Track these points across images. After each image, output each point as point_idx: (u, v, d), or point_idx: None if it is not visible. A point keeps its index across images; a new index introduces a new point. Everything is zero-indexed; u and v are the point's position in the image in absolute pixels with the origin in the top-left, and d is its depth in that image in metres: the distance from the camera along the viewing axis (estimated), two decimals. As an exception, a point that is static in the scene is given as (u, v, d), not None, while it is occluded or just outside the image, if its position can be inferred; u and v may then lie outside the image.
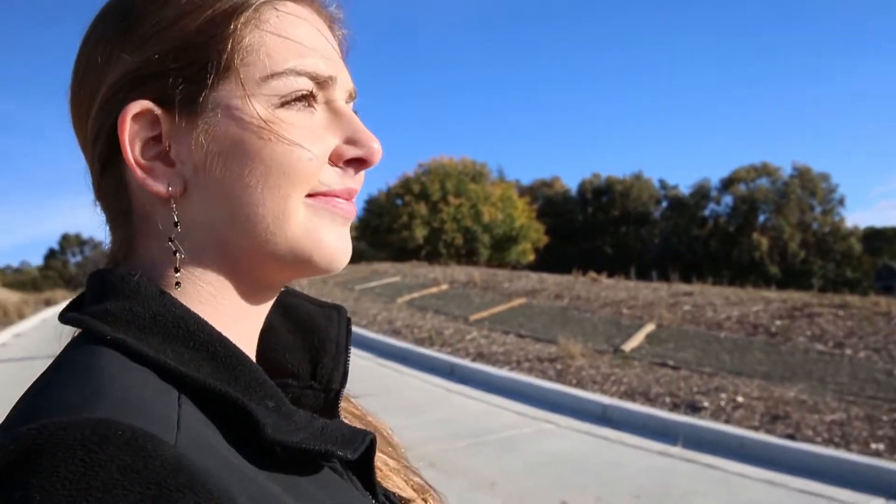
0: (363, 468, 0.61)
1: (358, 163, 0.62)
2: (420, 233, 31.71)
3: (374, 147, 0.62)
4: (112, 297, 0.54)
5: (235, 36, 0.56)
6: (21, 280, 47.73)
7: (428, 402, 7.10)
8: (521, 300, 12.71)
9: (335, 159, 0.61)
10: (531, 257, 33.80)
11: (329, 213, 0.60)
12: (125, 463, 0.40)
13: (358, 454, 0.55)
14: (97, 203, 0.62)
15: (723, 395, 6.29)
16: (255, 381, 0.54)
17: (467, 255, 31.70)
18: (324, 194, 0.60)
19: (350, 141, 0.61)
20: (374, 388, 7.75)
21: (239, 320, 0.61)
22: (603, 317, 10.50)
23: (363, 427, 0.62)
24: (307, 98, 0.59)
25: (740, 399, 6.14)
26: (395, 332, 11.07)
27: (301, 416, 0.56)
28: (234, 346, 0.55)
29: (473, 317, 11.61)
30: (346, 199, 0.62)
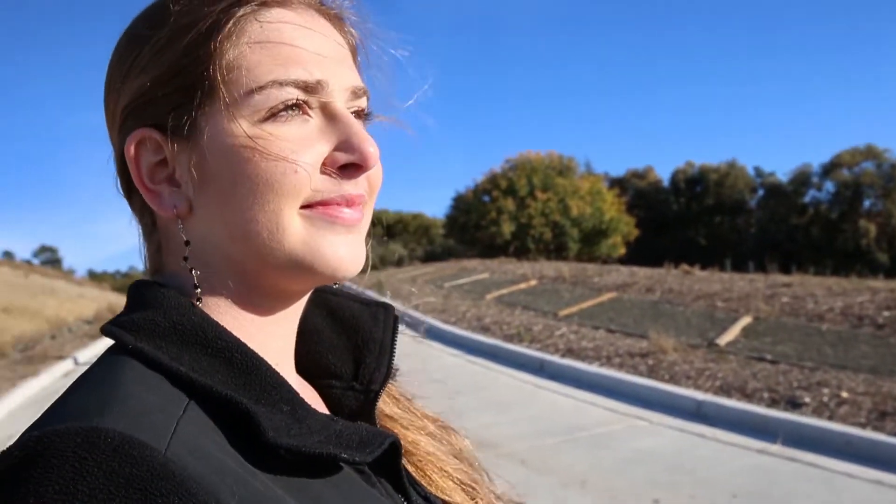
0: (392, 471, 0.61)
1: (353, 168, 0.61)
2: (508, 228, 31.58)
3: (368, 151, 0.60)
4: (140, 308, 0.57)
5: (216, 55, 0.57)
6: (129, 284, 50.09)
7: (517, 399, 7.07)
8: (611, 294, 12.50)
9: (329, 165, 0.60)
10: (622, 251, 33.19)
11: (327, 223, 0.60)
12: (112, 469, 0.42)
13: (373, 457, 0.56)
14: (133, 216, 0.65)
15: (825, 391, 6.02)
16: (271, 385, 0.56)
17: (556, 251, 31.39)
18: (321, 203, 0.59)
19: (342, 146, 0.60)
20: (464, 386, 7.78)
21: (263, 328, 0.62)
22: (696, 310, 10.21)
23: (406, 429, 0.62)
24: (299, 106, 0.59)
25: (845, 394, 5.86)
26: (484, 329, 11.07)
27: (317, 420, 0.57)
28: (252, 352, 0.57)
29: (562, 312, 11.50)
30: (348, 206, 0.61)
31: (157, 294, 0.58)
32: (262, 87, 0.57)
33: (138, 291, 0.59)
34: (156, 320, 0.56)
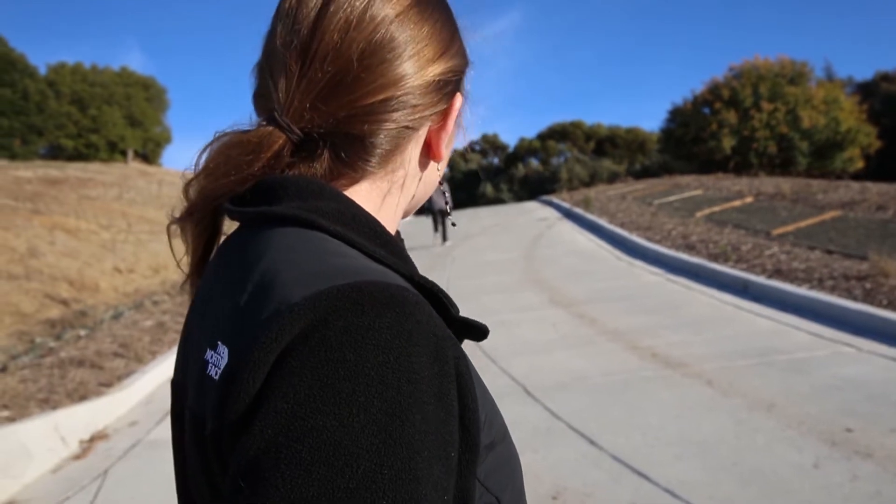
0: None
1: None
2: (728, 143, 29.67)
3: None
4: (314, 198, 0.65)
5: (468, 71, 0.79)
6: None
7: (714, 319, 6.85)
8: (835, 213, 11.50)
9: None
10: (860, 164, 30.06)
11: None
12: (426, 312, 0.56)
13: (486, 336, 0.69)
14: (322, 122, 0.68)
15: None
16: (417, 272, 0.67)
17: (782, 165, 29.13)
18: None
19: None
20: (659, 305, 7.65)
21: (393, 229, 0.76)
22: (934, 230, 9.16)
23: None
24: None
25: None
26: (689, 248, 10.70)
27: None
28: (400, 244, 0.71)
29: (776, 231, 10.79)
30: None
31: (331, 190, 0.67)
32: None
33: (309, 185, 0.66)
34: (340, 210, 0.65)
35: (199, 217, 0.71)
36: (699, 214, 13.98)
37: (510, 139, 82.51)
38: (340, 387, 0.49)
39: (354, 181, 0.70)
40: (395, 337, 0.52)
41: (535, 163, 47.08)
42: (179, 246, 0.76)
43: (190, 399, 0.63)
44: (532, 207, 22.98)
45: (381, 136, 0.68)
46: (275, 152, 0.65)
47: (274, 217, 0.64)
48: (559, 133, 48.09)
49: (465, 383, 0.56)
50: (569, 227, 16.16)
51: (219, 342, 0.59)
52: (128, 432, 5.20)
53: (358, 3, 0.66)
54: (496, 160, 51.09)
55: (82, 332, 7.78)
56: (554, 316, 7.51)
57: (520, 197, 38.73)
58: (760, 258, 9.09)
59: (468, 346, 0.70)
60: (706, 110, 31.58)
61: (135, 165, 32.64)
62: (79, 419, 5.12)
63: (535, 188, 38.75)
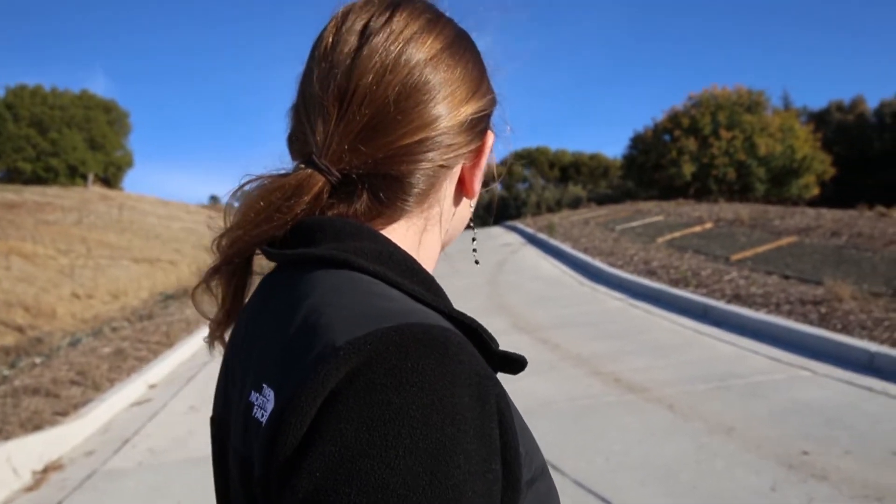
0: None
1: None
2: (688, 169, 30.20)
3: None
4: (350, 239, 0.67)
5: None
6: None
7: (675, 344, 6.93)
8: (791, 238, 11.75)
9: None
10: (815, 191, 30.79)
11: None
12: (468, 352, 0.57)
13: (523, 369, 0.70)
14: (356, 166, 0.70)
15: None
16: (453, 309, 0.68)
17: (741, 191, 29.69)
18: None
19: None
20: (622, 330, 7.72)
21: (432, 266, 0.79)
22: (886, 256, 9.39)
23: None
24: None
25: None
26: (651, 273, 10.84)
27: None
28: (438, 284, 0.71)
29: (735, 257, 10.99)
30: None
31: (368, 230, 0.69)
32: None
33: (346, 225, 0.68)
34: (378, 249, 0.66)
35: (234, 266, 0.72)
36: (660, 240, 14.18)
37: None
38: (386, 430, 0.51)
39: (392, 220, 0.72)
40: (439, 378, 0.53)
41: (498, 188, 47.31)
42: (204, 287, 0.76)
43: (234, 439, 0.65)
44: (496, 233, 23.12)
45: (418, 175, 0.70)
46: (314, 195, 0.67)
47: (314, 258, 0.65)
48: (524, 158, 48.54)
49: (506, 421, 0.57)
50: (533, 253, 16.27)
51: (264, 385, 0.60)
52: (84, 462, 5.08)
53: (392, 48, 0.68)
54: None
55: (38, 360, 7.61)
56: (518, 341, 7.54)
57: (484, 221, 38.92)
58: (720, 283, 9.24)
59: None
60: (667, 138, 32.18)
61: (95, 189, 32.18)
62: (32, 449, 5.00)
63: (498, 213, 38.96)
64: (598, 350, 6.88)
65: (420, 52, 0.69)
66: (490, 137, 0.77)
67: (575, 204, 34.02)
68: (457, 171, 0.75)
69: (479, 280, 12.62)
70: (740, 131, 30.14)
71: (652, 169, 31.73)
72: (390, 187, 0.69)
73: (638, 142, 33.83)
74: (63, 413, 5.79)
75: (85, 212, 21.67)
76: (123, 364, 7.44)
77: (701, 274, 10.04)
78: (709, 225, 15.11)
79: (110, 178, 38.43)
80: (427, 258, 0.76)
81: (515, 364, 0.68)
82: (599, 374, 6.04)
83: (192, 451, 5.09)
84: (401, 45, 0.69)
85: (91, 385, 6.57)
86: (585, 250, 14.35)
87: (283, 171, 0.70)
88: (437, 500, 0.50)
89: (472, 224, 0.86)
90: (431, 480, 0.50)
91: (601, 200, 34.03)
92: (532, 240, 18.77)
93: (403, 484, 0.49)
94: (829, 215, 13.76)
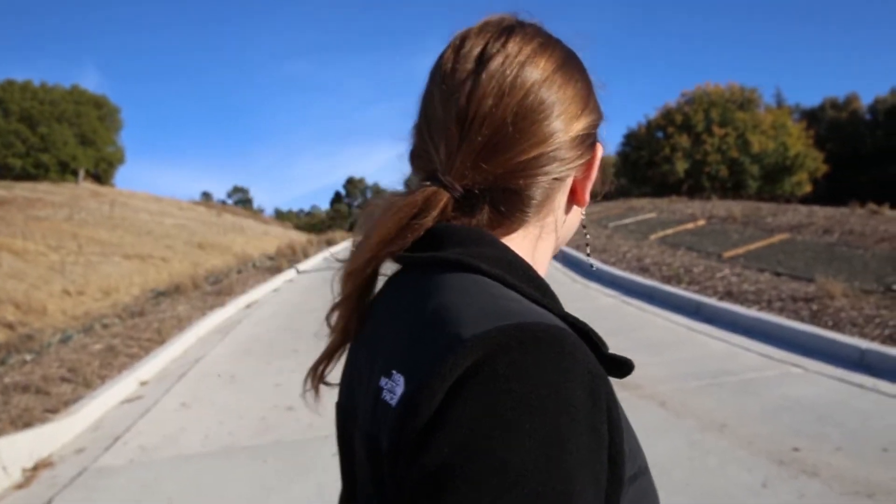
0: None
1: None
2: (681, 166, 30.32)
3: None
4: (472, 244, 0.73)
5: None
6: (311, 223, 53.15)
7: (669, 342, 6.94)
8: (783, 236, 11.79)
9: None
10: (808, 189, 30.92)
11: None
12: (582, 351, 0.61)
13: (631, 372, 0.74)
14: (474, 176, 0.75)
15: None
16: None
17: (734, 188, 29.81)
18: None
19: None
20: (615, 327, 7.73)
21: (544, 271, 0.83)
22: (878, 253, 9.42)
23: None
24: None
25: None
26: (643, 270, 10.86)
27: None
28: (550, 287, 0.75)
29: (727, 254, 11.01)
30: None
31: (490, 238, 0.75)
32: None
33: (470, 233, 0.74)
34: (499, 256, 0.72)
35: (364, 285, 0.79)
36: (653, 237, 14.21)
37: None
38: (508, 416, 0.56)
39: (511, 230, 0.78)
40: (555, 373, 0.58)
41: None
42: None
43: (362, 420, 0.71)
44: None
45: (535, 188, 0.76)
46: (440, 210, 0.73)
47: (442, 262, 0.72)
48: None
49: (613, 419, 0.61)
50: (525, 249, 16.27)
51: (393, 371, 0.66)
52: (74, 460, 5.06)
53: (509, 72, 0.74)
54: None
55: (28, 357, 7.57)
56: (510, 338, 7.53)
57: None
58: (712, 280, 9.26)
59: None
60: (660, 134, 32.27)
61: (86, 185, 32.04)
62: (22, 447, 4.97)
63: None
64: (590, 347, 6.87)
65: (534, 74, 0.74)
66: (599, 150, 0.82)
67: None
68: (569, 182, 0.80)
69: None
70: (733, 128, 30.24)
71: (645, 166, 31.82)
72: (510, 200, 0.76)
73: (631, 139, 33.90)
74: (53, 410, 5.76)
75: (76, 208, 21.57)
76: (114, 361, 7.41)
77: (693, 271, 10.05)
78: (701, 222, 15.15)
79: (101, 175, 38.25)
80: (541, 264, 0.81)
81: (623, 367, 0.71)
82: (592, 371, 6.03)
83: (183, 448, 5.07)
84: (517, 69, 0.74)
85: (82, 382, 6.54)
86: (578, 247, 14.38)
87: (405, 190, 0.77)
88: (551, 482, 0.54)
89: (585, 229, 0.93)
90: (547, 464, 0.54)
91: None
92: (525, 236, 18.78)
93: (522, 464, 0.54)
94: (821, 213, 13.81)
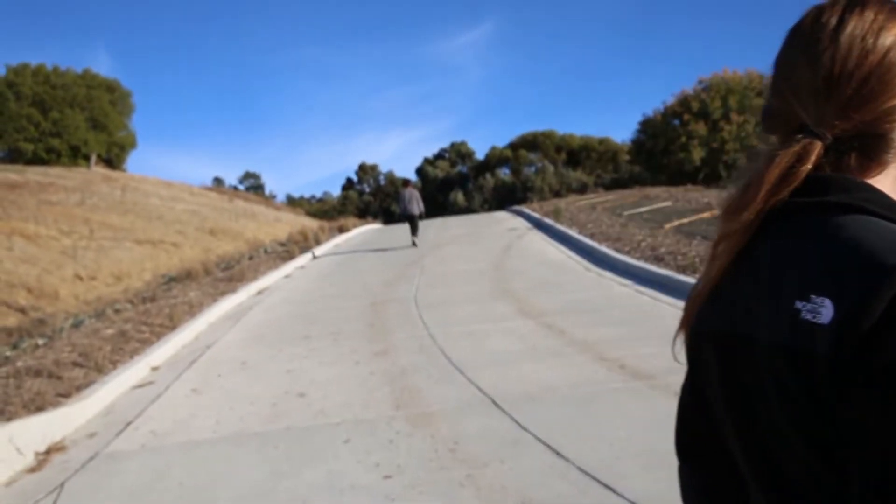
0: None
1: None
2: (698, 154, 30.09)
3: None
4: (857, 191, 0.83)
5: None
6: (323, 209, 53.18)
7: (682, 331, 6.86)
8: (800, 225, 11.66)
9: None
10: (826, 177, 30.62)
11: None
12: None
13: None
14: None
15: None
16: None
17: (749, 177, 29.52)
18: None
19: None
20: (628, 316, 7.67)
21: None
22: None
23: None
24: None
25: None
26: (658, 259, 10.77)
27: None
28: None
29: (743, 243, 10.90)
30: None
31: (864, 184, 0.84)
32: None
33: (847, 180, 0.84)
34: (881, 199, 0.82)
35: (745, 232, 0.88)
36: (668, 226, 14.10)
37: (481, 148, 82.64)
38: None
39: (874, 173, 0.86)
40: None
41: (505, 172, 47.22)
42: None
43: (771, 338, 0.80)
44: (502, 217, 23.00)
45: None
46: (815, 158, 0.84)
47: (832, 206, 0.82)
48: (530, 142, 48.39)
49: None
50: (539, 238, 16.20)
51: (812, 295, 0.76)
52: (86, 444, 5.06)
53: (868, 37, 0.86)
54: (464, 169, 51.23)
55: (40, 341, 7.59)
56: (523, 327, 7.50)
57: (490, 206, 38.83)
58: (727, 270, 9.16)
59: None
60: (676, 122, 31.96)
61: (98, 170, 32.16)
62: (35, 430, 4.98)
63: (505, 197, 38.91)
64: (603, 336, 6.83)
65: (889, 38, 0.86)
66: None
67: (582, 189, 33.90)
68: None
69: (485, 265, 12.59)
70: (751, 116, 29.92)
71: (661, 154, 31.57)
72: (875, 144, 0.86)
73: (647, 126, 33.60)
74: (65, 394, 5.77)
75: (88, 193, 21.64)
76: (126, 346, 7.42)
77: (708, 260, 9.95)
78: (717, 211, 15.02)
79: (113, 159, 38.32)
80: None
81: None
82: (605, 361, 5.99)
83: (194, 433, 5.06)
84: (874, 35, 0.86)
85: (93, 367, 6.55)
86: (592, 236, 14.29)
87: (777, 146, 0.88)
88: None
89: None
90: None
91: (609, 186, 33.89)
92: (538, 225, 18.69)
93: None
94: (837, 202, 13.66)
